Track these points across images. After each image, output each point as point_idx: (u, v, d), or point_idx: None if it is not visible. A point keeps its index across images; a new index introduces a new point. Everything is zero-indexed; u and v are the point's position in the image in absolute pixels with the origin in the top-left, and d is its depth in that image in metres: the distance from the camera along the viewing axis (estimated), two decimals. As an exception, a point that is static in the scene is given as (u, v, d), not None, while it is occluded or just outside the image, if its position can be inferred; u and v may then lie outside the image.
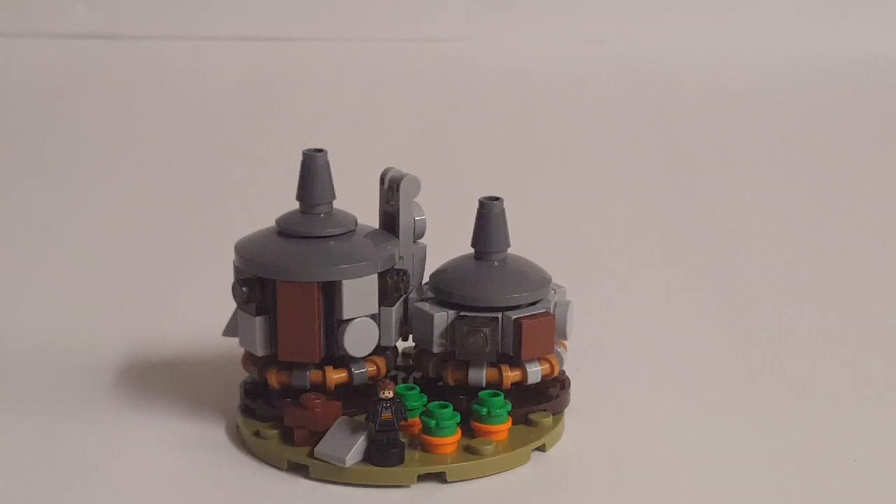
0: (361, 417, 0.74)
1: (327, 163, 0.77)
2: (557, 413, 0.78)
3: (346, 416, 0.75)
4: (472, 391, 0.76)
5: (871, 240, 1.12)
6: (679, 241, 1.11)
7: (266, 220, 0.79)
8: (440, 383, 0.78)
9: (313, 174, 0.77)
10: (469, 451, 0.74)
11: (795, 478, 0.74)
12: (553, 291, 0.78)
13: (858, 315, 0.96)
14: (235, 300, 0.76)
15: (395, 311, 0.77)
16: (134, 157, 1.31)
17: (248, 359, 0.79)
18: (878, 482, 0.74)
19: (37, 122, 1.40)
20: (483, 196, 0.78)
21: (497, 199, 0.77)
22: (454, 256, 0.79)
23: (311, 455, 0.73)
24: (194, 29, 1.58)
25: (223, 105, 1.45)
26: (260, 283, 0.75)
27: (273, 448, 0.75)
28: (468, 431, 0.75)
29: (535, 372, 0.77)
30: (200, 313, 0.92)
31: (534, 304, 0.77)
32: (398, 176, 0.78)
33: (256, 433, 0.76)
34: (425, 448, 0.74)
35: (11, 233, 1.12)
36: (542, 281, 0.78)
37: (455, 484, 0.73)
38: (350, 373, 0.77)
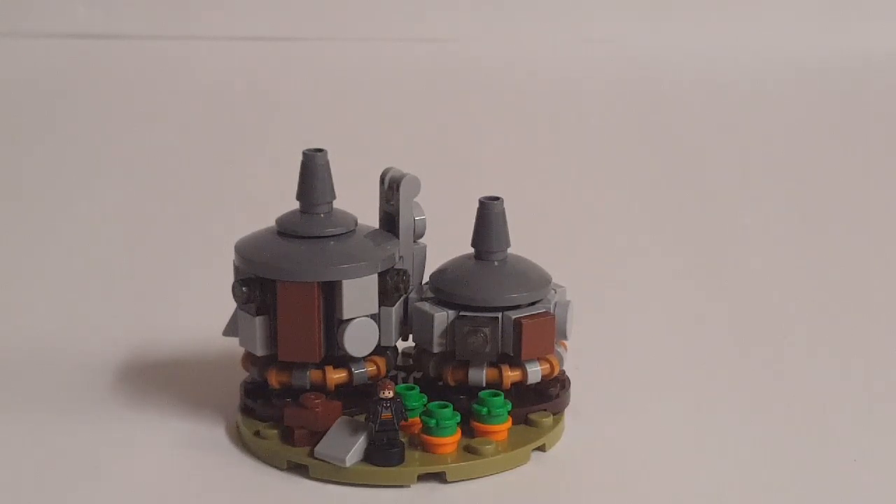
0: (361, 417, 0.74)
1: (327, 163, 0.77)
2: (557, 413, 0.78)
3: (346, 416, 0.75)
4: (472, 391, 0.76)
5: (872, 239, 1.12)
6: (680, 240, 1.11)
7: (266, 220, 0.79)
8: (440, 383, 0.78)
9: (313, 174, 0.77)
10: (469, 451, 0.74)
11: (796, 477, 0.74)
12: (553, 291, 0.78)
13: (860, 315, 0.96)
14: (235, 300, 0.76)
15: (395, 311, 0.77)
16: (134, 157, 1.31)
17: (248, 359, 0.79)
18: (877, 482, 0.74)
19: (37, 122, 1.40)
20: (483, 196, 0.78)
21: (497, 199, 0.77)
22: (454, 256, 0.79)
23: (311, 455, 0.73)
24: (194, 29, 1.58)
25: (223, 105, 1.45)
26: (260, 283, 0.75)
27: (273, 448, 0.75)
28: (468, 431, 0.75)
29: (535, 372, 0.77)
30: (200, 313, 0.92)
31: (534, 304, 0.77)
32: (398, 176, 0.78)
33: (256, 433, 0.76)
34: (425, 448, 0.74)
35: (11, 233, 1.11)
36: (542, 281, 0.77)
37: (455, 484, 0.73)
38: (350, 373, 0.77)
